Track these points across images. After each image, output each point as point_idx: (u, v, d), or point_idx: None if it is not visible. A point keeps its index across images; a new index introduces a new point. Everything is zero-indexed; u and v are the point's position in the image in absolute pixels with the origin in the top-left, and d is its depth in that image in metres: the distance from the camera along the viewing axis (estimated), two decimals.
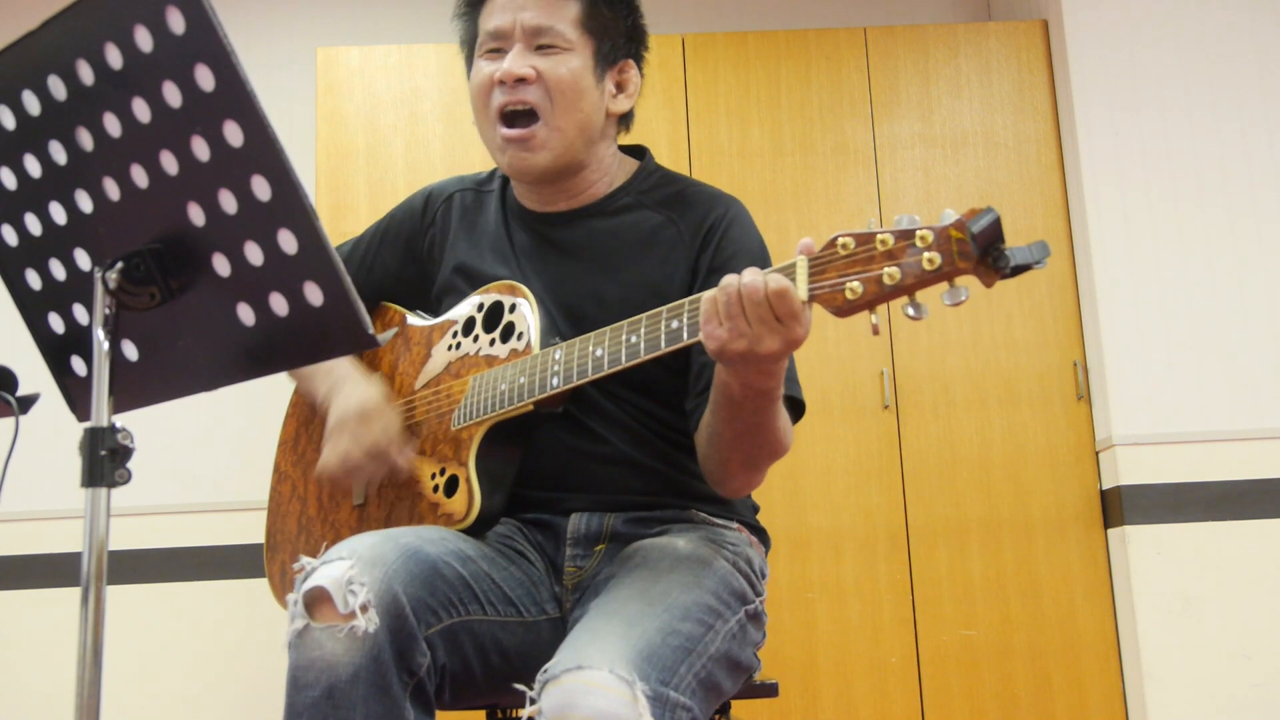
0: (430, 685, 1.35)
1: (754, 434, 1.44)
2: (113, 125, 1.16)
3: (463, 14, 1.71)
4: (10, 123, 1.22)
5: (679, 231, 1.64)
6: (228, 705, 3.85)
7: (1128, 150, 3.76)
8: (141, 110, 1.13)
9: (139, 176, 1.17)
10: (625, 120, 1.72)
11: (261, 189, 1.11)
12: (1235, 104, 3.79)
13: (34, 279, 1.30)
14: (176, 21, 1.07)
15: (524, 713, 1.24)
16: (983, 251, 1.12)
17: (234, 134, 1.09)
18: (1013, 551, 3.65)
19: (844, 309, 1.21)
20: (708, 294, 1.29)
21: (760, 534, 1.68)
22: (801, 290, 1.23)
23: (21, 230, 1.28)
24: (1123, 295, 3.66)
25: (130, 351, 1.25)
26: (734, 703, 1.59)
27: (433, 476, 1.57)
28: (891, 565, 3.65)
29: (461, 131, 3.86)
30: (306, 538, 1.74)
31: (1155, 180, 3.74)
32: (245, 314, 1.18)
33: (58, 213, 1.25)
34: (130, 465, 1.17)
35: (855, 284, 1.19)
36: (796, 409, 1.54)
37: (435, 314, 1.73)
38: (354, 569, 1.31)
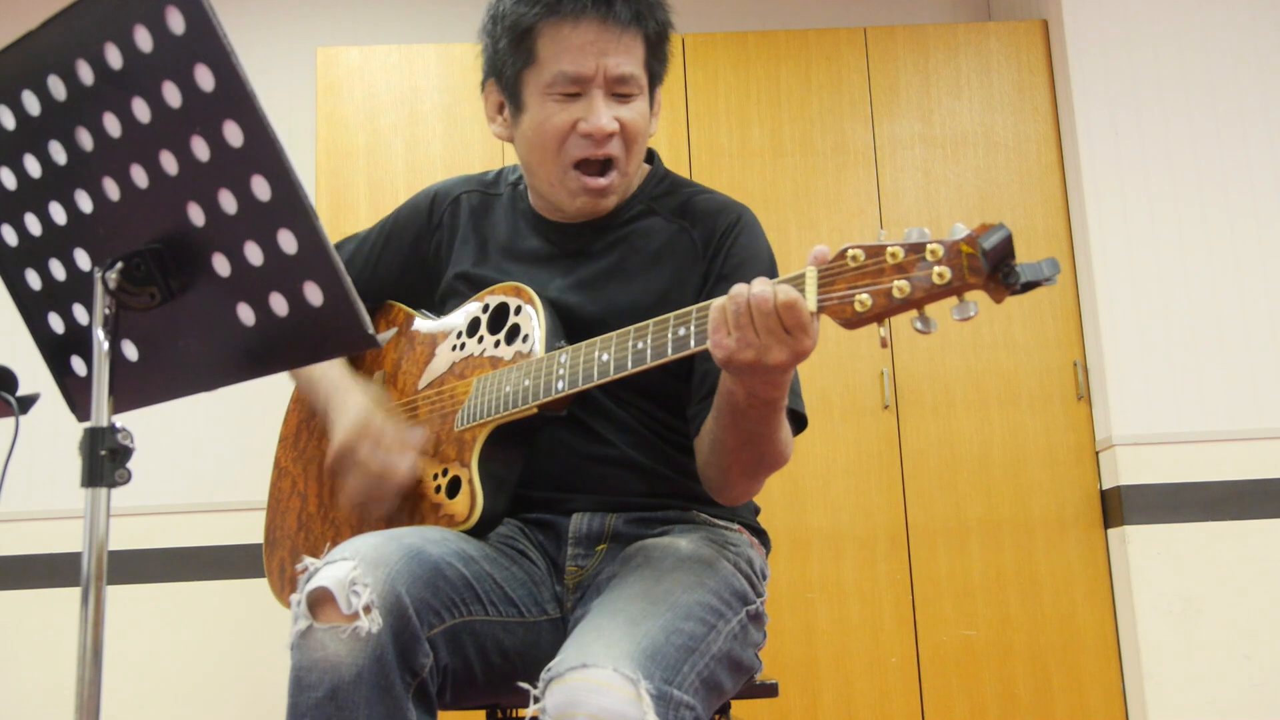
0: (433, 686, 1.35)
1: (756, 443, 1.44)
2: (113, 125, 1.16)
3: (512, 39, 1.59)
4: (10, 123, 1.22)
5: (692, 241, 1.63)
6: (228, 705, 3.85)
7: (1128, 150, 3.76)
8: (141, 110, 1.13)
9: (139, 176, 1.17)
10: None
11: (261, 189, 1.11)
12: (1235, 104, 3.79)
13: (34, 279, 1.30)
14: (176, 21, 1.07)
15: (528, 711, 1.24)
16: (993, 267, 1.12)
17: (234, 134, 1.09)
18: (1013, 551, 3.65)
19: (853, 321, 1.20)
20: (716, 302, 1.29)
21: (761, 535, 1.69)
22: (810, 302, 1.23)
23: (21, 230, 1.28)
24: (1123, 295, 3.66)
25: (130, 351, 1.25)
26: (734, 703, 1.59)
27: (435, 477, 1.57)
28: (891, 565, 3.65)
29: (461, 131, 3.86)
30: (306, 535, 1.74)
31: (1155, 180, 3.74)
32: (245, 314, 1.17)
33: (58, 213, 1.25)
34: (130, 465, 1.17)
35: (864, 296, 1.18)
36: (798, 422, 1.54)
37: (439, 314, 1.72)
38: (357, 570, 1.31)
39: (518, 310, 1.57)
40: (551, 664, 1.25)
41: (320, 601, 1.30)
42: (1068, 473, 3.69)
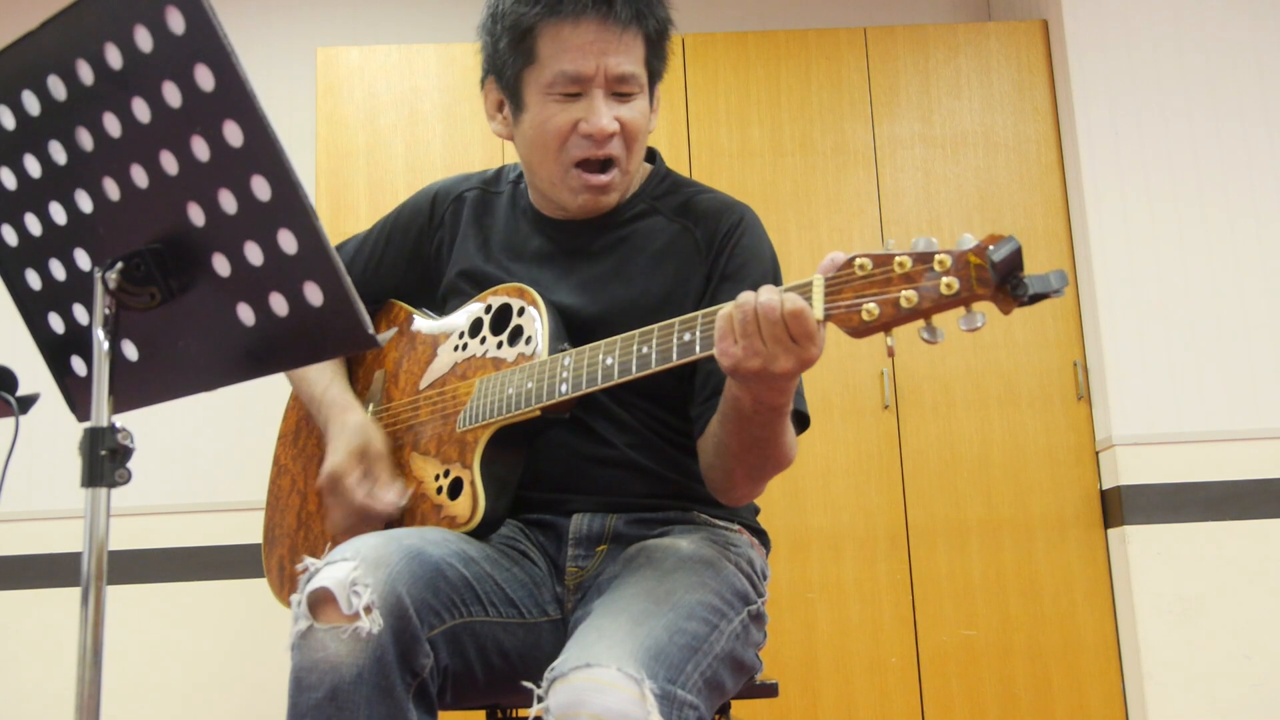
0: (433, 686, 1.35)
1: (761, 447, 1.44)
2: (113, 125, 1.16)
3: (512, 38, 1.59)
4: (10, 123, 1.22)
5: (694, 241, 1.63)
6: (228, 705, 3.85)
7: (1128, 150, 3.76)
8: (141, 110, 1.13)
9: (139, 176, 1.17)
10: None
11: (261, 189, 1.11)
12: (1235, 104, 3.79)
13: (34, 279, 1.30)
14: (176, 21, 1.07)
15: (531, 711, 1.24)
16: (1001, 279, 1.12)
17: (234, 134, 1.09)
18: (1013, 551, 3.65)
19: (860, 330, 1.20)
20: (723, 310, 1.28)
21: (761, 535, 1.69)
22: (818, 310, 1.22)
23: (21, 230, 1.28)
24: (1123, 295, 3.66)
25: (130, 351, 1.25)
26: (734, 703, 1.59)
27: (436, 478, 1.57)
28: (891, 565, 3.65)
29: (461, 131, 3.86)
30: (306, 533, 1.74)
31: (1155, 180, 3.74)
32: (245, 314, 1.17)
33: (58, 213, 1.25)
34: (130, 465, 1.17)
35: (872, 305, 1.18)
36: (801, 422, 1.54)
37: (441, 314, 1.72)
38: (358, 570, 1.31)
39: (521, 311, 1.57)
40: (555, 663, 1.25)
41: (321, 602, 1.30)
42: (1068, 473, 3.69)
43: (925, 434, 3.71)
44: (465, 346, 1.63)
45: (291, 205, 1.11)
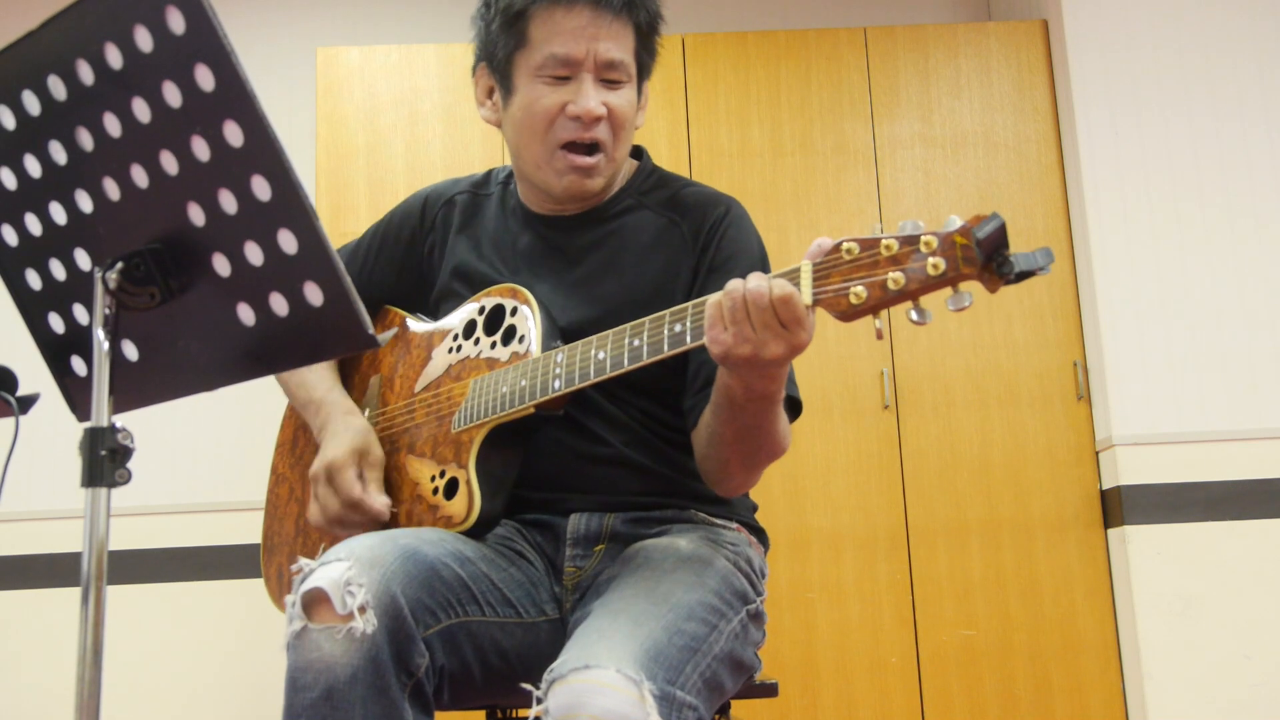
0: (429, 686, 1.35)
1: (754, 435, 1.44)
2: (113, 125, 1.16)
3: (504, 21, 1.62)
4: (10, 123, 1.22)
5: (682, 234, 1.64)
6: (227, 705, 3.85)
7: (1128, 150, 3.76)
8: (141, 110, 1.13)
9: (139, 176, 1.17)
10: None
11: (261, 189, 1.11)
12: (1235, 104, 3.79)
13: (34, 279, 1.30)
14: (176, 21, 1.07)
15: (530, 712, 1.24)
16: (987, 257, 1.12)
17: (234, 134, 1.09)
18: (1013, 551, 3.65)
19: (848, 314, 1.21)
20: (712, 298, 1.29)
21: (759, 534, 1.69)
22: (806, 295, 1.23)
23: (21, 230, 1.28)
24: (1123, 295, 3.66)
25: (130, 351, 1.25)
26: (734, 703, 1.59)
27: (433, 479, 1.57)
28: (891, 565, 3.65)
29: (461, 131, 3.86)
30: (304, 539, 1.74)
31: (1155, 180, 3.74)
32: (245, 314, 1.17)
33: (58, 213, 1.25)
34: (130, 465, 1.17)
35: (859, 289, 1.19)
36: (794, 408, 1.55)
37: (435, 317, 1.72)
38: (352, 570, 1.31)
39: (513, 311, 1.58)
40: (554, 665, 1.25)
41: (315, 602, 1.30)
42: (1068, 473, 3.69)
43: (925, 434, 3.71)
44: (459, 348, 1.63)
45: (291, 205, 1.11)
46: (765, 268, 1.62)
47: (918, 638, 3.61)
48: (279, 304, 1.15)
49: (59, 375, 1.33)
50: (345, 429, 1.64)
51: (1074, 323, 3.76)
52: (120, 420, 1.17)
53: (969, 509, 3.68)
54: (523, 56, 1.61)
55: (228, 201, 1.13)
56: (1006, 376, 3.74)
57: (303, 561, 1.36)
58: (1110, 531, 3.64)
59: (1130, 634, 3.52)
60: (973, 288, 1.16)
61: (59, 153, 1.21)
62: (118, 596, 3.57)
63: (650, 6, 1.63)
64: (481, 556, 1.49)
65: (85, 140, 1.18)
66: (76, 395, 1.32)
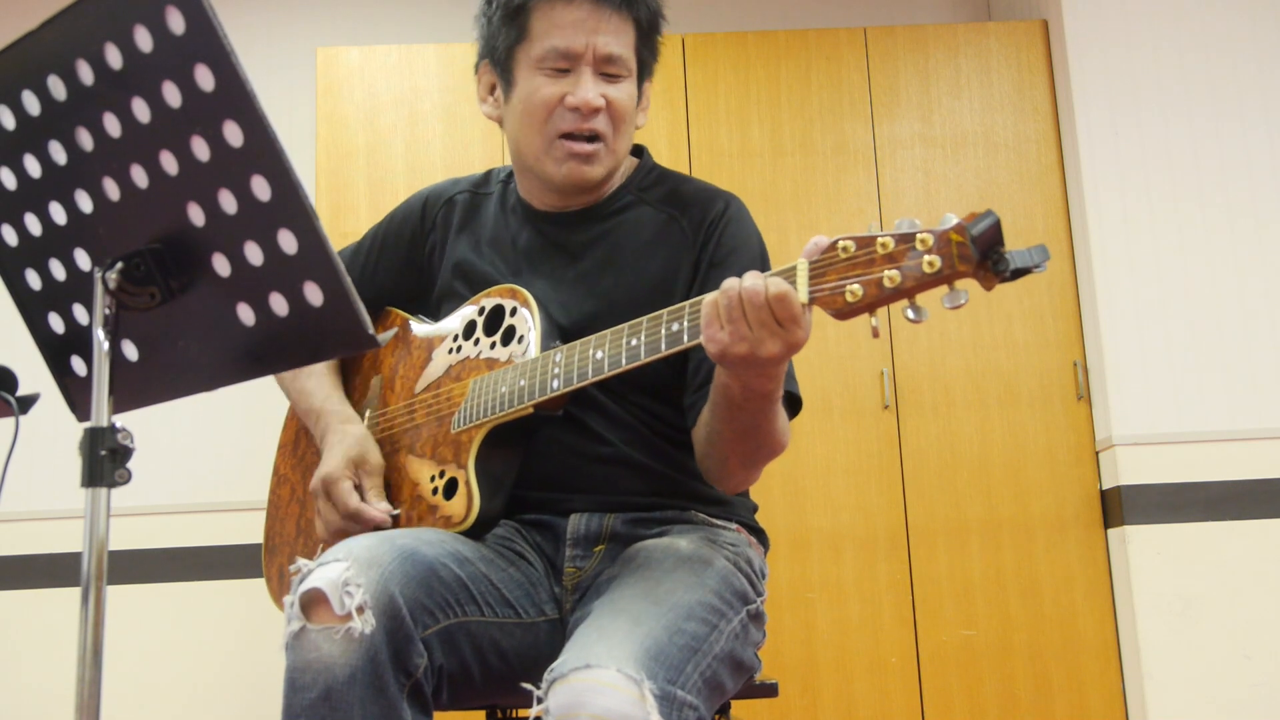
0: (428, 686, 1.35)
1: (753, 434, 1.44)
2: (113, 125, 1.16)
3: (505, 15, 1.64)
4: (10, 123, 1.22)
5: (682, 229, 1.65)
6: (228, 705, 3.85)
7: (1128, 150, 3.76)
8: (141, 110, 1.13)
9: (139, 176, 1.17)
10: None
11: (261, 189, 1.11)
12: (1235, 104, 3.79)
13: (34, 279, 1.30)
14: (176, 21, 1.07)
15: (531, 712, 1.24)
16: (983, 254, 1.13)
17: (234, 134, 1.09)
18: (1013, 551, 3.65)
19: (844, 312, 1.21)
20: (708, 297, 1.29)
21: (759, 534, 1.69)
22: (802, 293, 1.23)
23: (21, 230, 1.28)
24: (1123, 295, 3.66)
25: (130, 351, 1.25)
26: (734, 703, 1.59)
27: (432, 479, 1.57)
28: (891, 565, 3.65)
29: (461, 131, 3.86)
30: (305, 540, 1.74)
31: (1155, 180, 3.74)
32: (245, 314, 1.17)
33: (58, 213, 1.24)
34: (130, 465, 1.17)
35: (855, 287, 1.19)
36: (794, 405, 1.55)
37: (436, 318, 1.73)
38: (350, 570, 1.31)
39: (513, 312, 1.58)
40: (554, 664, 1.25)
41: (313, 602, 1.30)
42: (1068, 473, 3.69)
43: (925, 434, 3.71)
44: (459, 349, 1.63)
45: (291, 205, 1.11)
46: (765, 263, 1.63)
47: (918, 638, 3.61)
48: (279, 304, 1.15)
49: (59, 375, 1.33)
50: (341, 439, 1.65)
51: (1074, 323, 3.76)
52: (120, 420, 1.17)
53: (969, 509, 3.68)
54: (523, 50, 1.62)
55: (228, 201, 1.13)
56: (1006, 376, 3.74)
57: (301, 562, 1.36)
58: (1110, 531, 3.64)
59: (1130, 634, 3.52)
60: (969, 285, 1.16)
61: (59, 153, 1.21)
62: (118, 596, 3.56)
63: (651, 3, 1.64)
64: (480, 557, 1.49)
65: (85, 140, 1.18)
66: (76, 395, 1.32)
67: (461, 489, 1.52)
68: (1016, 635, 3.60)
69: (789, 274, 1.25)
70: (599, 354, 1.41)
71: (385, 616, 1.29)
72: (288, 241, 1.12)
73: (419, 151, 3.85)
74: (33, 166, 1.23)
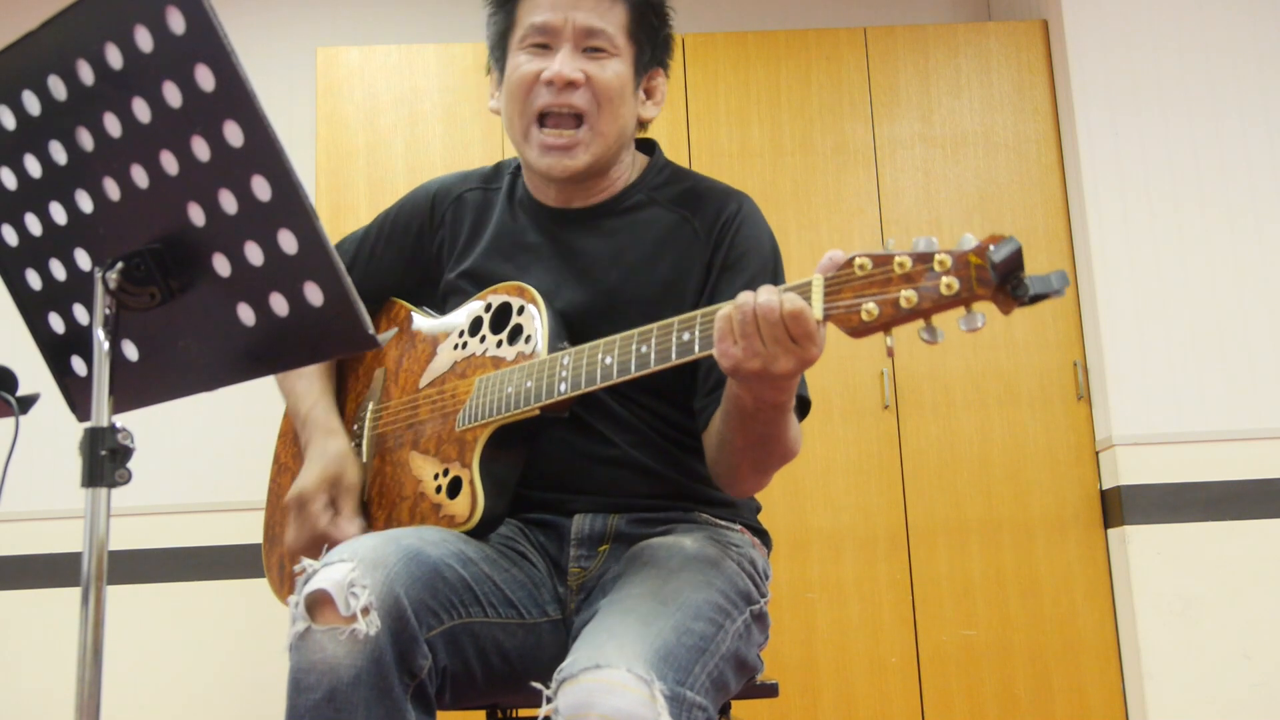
0: (431, 687, 1.34)
1: (765, 442, 1.44)
2: (113, 125, 1.16)
3: (497, 4, 1.67)
4: (10, 123, 1.22)
5: (694, 230, 1.63)
6: (228, 705, 3.85)
7: (1128, 150, 3.76)
8: (142, 110, 1.13)
9: (139, 176, 1.17)
10: (644, 124, 1.72)
11: (261, 189, 1.11)
12: (1235, 104, 3.79)
13: (34, 279, 1.30)
14: (176, 21, 1.07)
15: (540, 712, 1.24)
16: (1002, 279, 1.11)
17: (234, 134, 1.09)
18: (1013, 551, 3.65)
19: (859, 330, 1.19)
20: (722, 311, 1.28)
21: (762, 535, 1.69)
22: (817, 310, 1.22)
23: (21, 230, 1.28)
24: (1123, 295, 3.66)
25: (130, 351, 1.25)
26: (734, 703, 1.59)
27: (435, 477, 1.57)
28: (891, 565, 3.65)
29: (461, 131, 3.86)
30: None
31: (1155, 180, 3.74)
32: (245, 314, 1.17)
33: (58, 213, 1.24)
34: (130, 465, 1.17)
35: (871, 305, 1.17)
36: (803, 407, 1.55)
37: (441, 312, 1.72)
38: (355, 571, 1.30)
39: (520, 310, 1.57)
40: (564, 664, 1.25)
41: (318, 603, 1.30)
42: (1068, 473, 3.69)
43: (925, 434, 3.71)
44: (465, 345, 1.62)
45: (292, 205, 1.11)
46: (778, 265, 1.62)
47: (918, 638, 3.61)
48: (279, 304, 1.15)
49: (59, 375, 1.33)
50: (321, 455, 1.64)
51: (1074, 323, 3.76)
52: (120, 420, 1.17)
53: (969, 509, 3.68)
54: (511, 35, 1.65)
55: (228, 201, 1.13)
56: (1006, 376, 3.73)
57: (306, 562, 1.36)
58: (1110, 531, 3.64)
59: (1130, 634, 3.52)
60: (985, 308, 1.15)
61: (59, 153, 1.21)
62: (118, 596, 3.57)
63: None
64: (484, 557, 1.49)
65: (85, 140, 1.18)
66: (76, 395, 1.32)
67: (466, 489, 1.52)
68: (1016, 635, 3.60)
69: (804, 290, 1.23)
70: (608, 359, 1.40)
71: (390, 618, 1.29)
72: (288, 241, 1.12)
73: (419, 151, 3.85)
74: (33, 166, 1.23)
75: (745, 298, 1.25)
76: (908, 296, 1.15)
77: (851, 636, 3.60)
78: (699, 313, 1.33)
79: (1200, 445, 3.59)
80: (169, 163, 1.14)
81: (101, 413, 1.16)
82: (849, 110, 3.90)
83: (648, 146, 1.76)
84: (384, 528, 1.60)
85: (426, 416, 1.62)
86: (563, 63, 1.58)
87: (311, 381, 1.76)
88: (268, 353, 1.20)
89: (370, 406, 1.73)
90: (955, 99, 3.91)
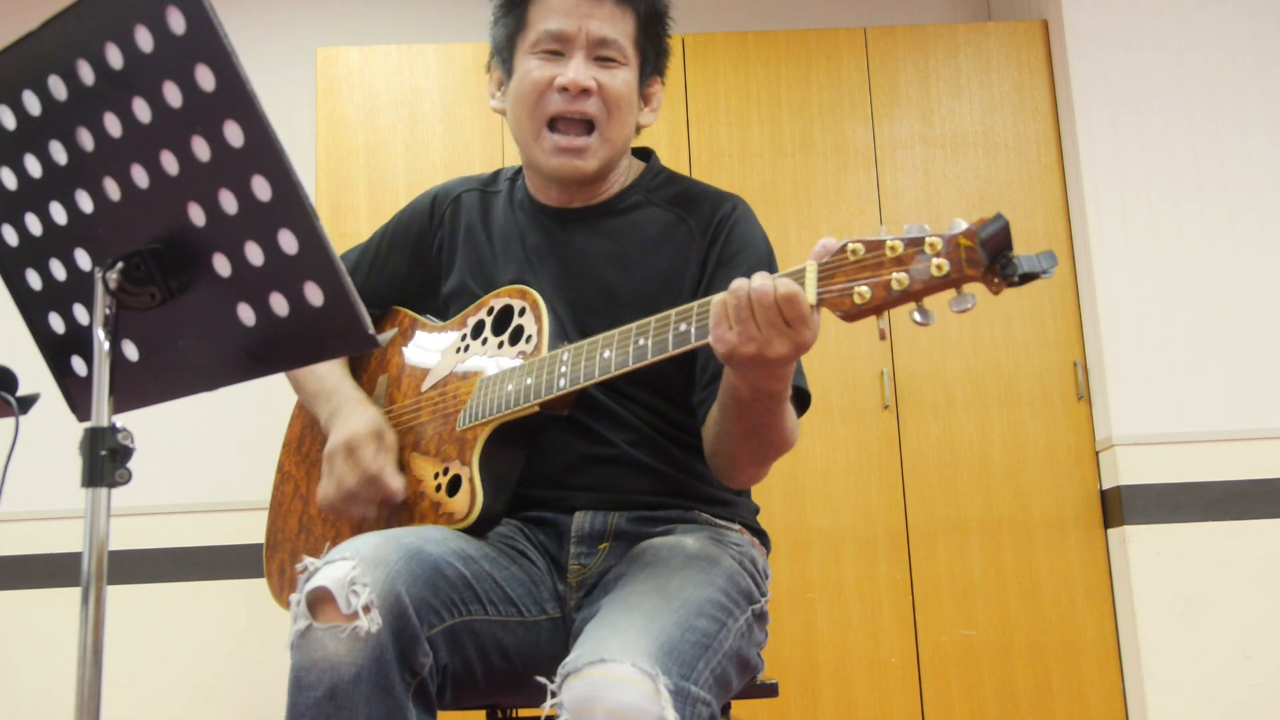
0: (432, 685, 1.35)
1: (762, 433, 1.45)
2: (113, 125, 1.16)
3: (506, 5, 1.68)
4: (11, 123, 1.22)
5: (690, 229, 1.65)
6: (228, 705, 3.85)
7: (1128, 150, 3.76)
8: (142, 110, 1.13)
9: (139, 176, 1.17)
10: (639, 129, 1.74)
11: (262, 189, 1.11)
12: (1235, 104, 3.79)
13: (34, 279, 1.30)
14: (177, 21, 1.07)
15: (545, 706, 1.24)
16: (991, 259, 1.13)
17: (234, 134, 1.09)
18: (1013, 551, 3.65)
19: (852, 313, 1.21)
20: (717, 297, 1.30)
21: (761, 536, 1.69)
22: (810, 294, 1.24)
23: (22, 230, 1.28)
24: (1123, 295, 3.66)
25: (130, 351, 1.25)
26: (734, 703, 1.59)
27: (436, 476, 1.58)
28: (891, 565, 3.65)
29: (462, 131, 3.86)
30: (307, 536, 1.74)
31: (1155, 180, 3.74)
32: (245, 314, 1.17)
33: (58, 213, 1.25)
34: (130, 465, 1.17)
35: (864, 289, 1.20)
36: (802, 400, 1.55)
37: (444, 317, 1.73)
38: (357, 569, 1.31)
39: (522, 312, 1.58)
40: (568, 659, 1.25)
41: (319, 601, 1.30)
42: (1068, 473, 3.69)
43: (925, 434, 3.71)
44: (467, 348, 1.64)
45: (292, 205, 1.11)
46: (772, 263, 1.63)
47: (918, 638, 3.61)
48: (279, 304, 1.15)
49: (59, 375, 1.33)
50: (362, 414, 1.65)
51: (1074, 323, 3.76)
52: (120, 420, 1.17)
53: (969, 509, 3.68)
54: (521, 39, 1.65)
55: (228, 201, 1.13)
56: (1006, 376, 3.74)
57: (307, 560, 1.36)
58: (1110, 531, 3.64)
59: (1130, 634, 3.52)
60: (976, 290, 1.17)
61: (59, 153, 1.21)
62: (118, 596, 3.57)
63: None
64: (484, 555, 1.49)
65: (86, 140, 1.18)
66: (76, 395, 1.32)
67: (465, 486, 1.53)
68: (1016, 635, 3.60)
69: (798, 275, 1.25)
70: (606, 353, 1.41)
71: (391, 615, 1.30)
72: (288, 241, 1.12)
73: (419, 151, 3.85)
74: (33, 166, 1.23)
75: (739, 283, 1.27)
76: (899, 279, 1.17)
77: (851, 636, 3.60)
78: (695, 304, 1.35)
79: (1200, 445, 3.59)
80: (169, 163, 1.14)
81: (101, 413, 1.16)
82: (849, 110, 3.90)
83: (643, 153, 1.78)
84: (386, 527, 1.61)
85: (429, 418, 1.63)
86: (577, 70, 1.60)
87: (333, 365, 1.78)
88: (268, 353, 1.20)
89: None
90: (955, 99, 3.91)
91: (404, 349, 1.75)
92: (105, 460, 1.15)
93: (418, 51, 3.94)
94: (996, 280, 1.14)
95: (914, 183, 3.86)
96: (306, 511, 1.76)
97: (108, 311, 1.18)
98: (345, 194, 3.81)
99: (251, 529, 3.53)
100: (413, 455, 1.63)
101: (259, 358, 1.21)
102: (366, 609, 1.28)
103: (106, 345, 1.18)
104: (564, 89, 1.60)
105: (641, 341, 1.38)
